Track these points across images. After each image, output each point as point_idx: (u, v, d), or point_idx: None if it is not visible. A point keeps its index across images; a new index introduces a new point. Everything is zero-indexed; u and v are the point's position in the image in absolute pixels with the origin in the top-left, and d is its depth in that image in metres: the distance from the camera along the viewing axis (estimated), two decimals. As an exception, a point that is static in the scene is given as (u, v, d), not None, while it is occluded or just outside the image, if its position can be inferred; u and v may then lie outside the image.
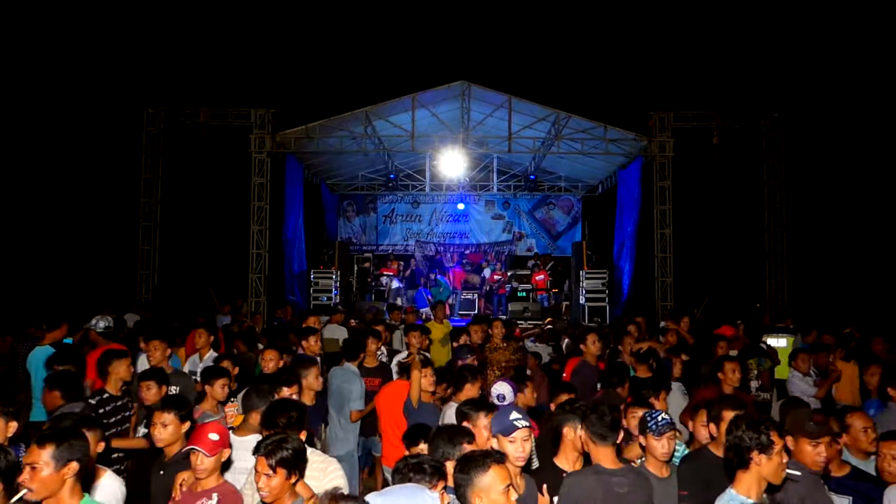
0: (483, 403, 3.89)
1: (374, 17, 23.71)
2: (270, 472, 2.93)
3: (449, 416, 4.74)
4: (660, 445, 3.54)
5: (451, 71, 18.71)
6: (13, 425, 3.38)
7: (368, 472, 6.67)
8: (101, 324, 6.92)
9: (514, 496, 2.68)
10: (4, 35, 16.89)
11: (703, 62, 21.21)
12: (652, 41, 22.67)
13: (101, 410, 4.74)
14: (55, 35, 17.45)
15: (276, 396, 4.54)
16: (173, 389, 5.46)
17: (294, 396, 4.51)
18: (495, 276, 17.84)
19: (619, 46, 22.91)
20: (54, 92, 17.09)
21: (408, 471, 2.73)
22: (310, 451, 3.45)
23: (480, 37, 25.55)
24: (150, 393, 4.79)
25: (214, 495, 3.21)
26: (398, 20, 23.44)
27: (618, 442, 3.46)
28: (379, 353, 6.82)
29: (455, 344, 7.26)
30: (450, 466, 2.95)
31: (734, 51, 21.90)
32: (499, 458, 2.74)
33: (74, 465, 2.75)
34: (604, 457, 3.38)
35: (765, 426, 2.98)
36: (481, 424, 3.62)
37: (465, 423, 3.67)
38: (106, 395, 4.93)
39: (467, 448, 3.10)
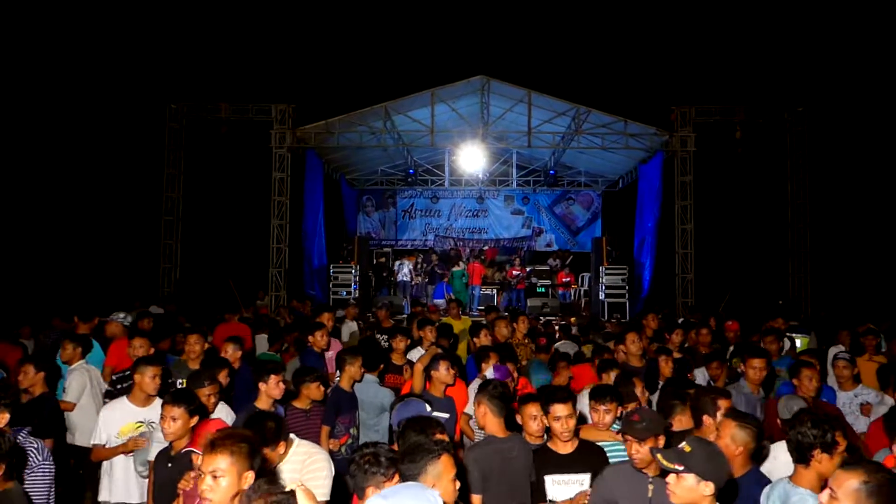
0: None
1: (394, 11, 23.71)
2: None
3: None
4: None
5: (471, 66, 18.67)
6: (5, 416, 3.64)
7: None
8: (121, 315, 7.09)
9: (458, 485, 2.72)
10: (30, 34, 17.17)
11: (726, 55, 20.94)
12: (673, 34, 22.42)
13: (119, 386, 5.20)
14: (80, 33, 17.68)
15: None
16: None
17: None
18: (514, 272, 17.79)
19: (639, 40, 22.70)
20: (79, 89, 17.33)
21: (363, 462, 2.69)
22: (297, 441, 3.58)
23: (500, 31, 25.44)
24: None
25: None
26: (417, 15, 23.42)
27: None
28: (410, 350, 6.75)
29: (475, 340, 7.22)
30: None
31: (757, 44, 21.61)
32: (447, 446, 2.77)
33: None
34: (498, 428, 3.82)
35: (829, 425, 2.95)
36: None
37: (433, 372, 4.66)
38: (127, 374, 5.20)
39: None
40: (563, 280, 17.73)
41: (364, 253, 16.99)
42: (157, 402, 4.39)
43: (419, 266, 18.00)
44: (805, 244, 16.28)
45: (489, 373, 5.19)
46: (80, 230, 17.04)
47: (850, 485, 2.28)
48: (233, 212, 18.22)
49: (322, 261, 16.94)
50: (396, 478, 2.68)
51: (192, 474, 3.34)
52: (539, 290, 17.53)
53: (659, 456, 2.64)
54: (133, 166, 17.60)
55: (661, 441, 3.32)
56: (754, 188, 17.97)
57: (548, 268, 18.23)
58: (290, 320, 10.60)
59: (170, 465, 3.74)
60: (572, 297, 17.72)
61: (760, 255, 17.78)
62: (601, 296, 15.55)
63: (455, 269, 17.47)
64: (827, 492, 2.38)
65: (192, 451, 3.26)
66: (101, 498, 4.48)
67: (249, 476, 2.61)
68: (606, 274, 15.49)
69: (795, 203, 16.33)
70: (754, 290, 16.27)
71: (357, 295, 15.49)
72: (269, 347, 7.71)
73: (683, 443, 2.66)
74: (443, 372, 5.09)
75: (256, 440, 2.84)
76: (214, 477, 2.58)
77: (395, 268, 17.65)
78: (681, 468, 2.54)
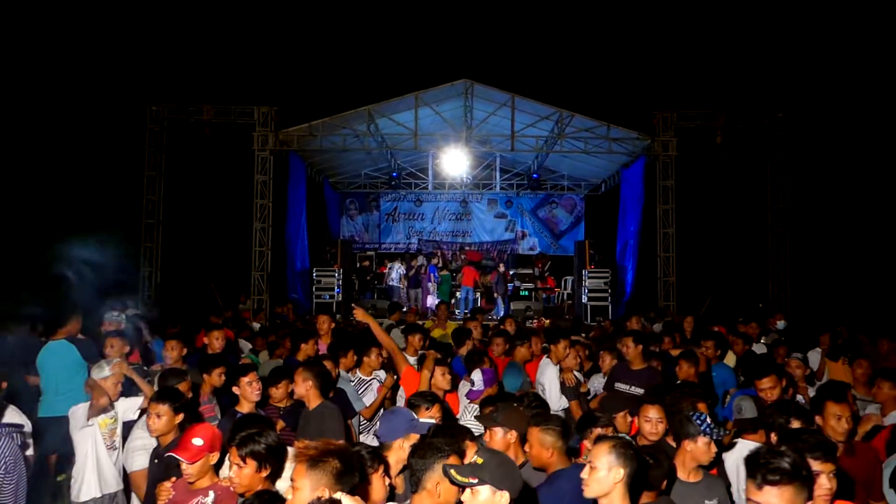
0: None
1: (378, 15, 23.71)
2: (241, 462, 2.98)
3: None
4: (709, 448, 3.34)
5: (455, 69, 18.73)
6: None
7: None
8: (115, 314, 7.04)
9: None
10: (9, 33, 16.92)
11: (707, 61, 21.17)
12: (655, 40, 22.64)
13: None
14: (59, 33, 17.47)
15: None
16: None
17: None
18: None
19: (622, 45, 22.89)
20: (58, 90, 17.10)
21: None
22: None
23: (484, 35, 25.55)
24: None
25: (211, 493, 3.22)
26: (401, 18, 23.44)
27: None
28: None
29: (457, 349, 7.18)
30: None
31: (738, 50, 21.86)
32: (458, 448, 2.82)
33: None
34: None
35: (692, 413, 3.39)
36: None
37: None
38: None
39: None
40: (544, 285, 17.80)
41: (347, 256, 16.92)
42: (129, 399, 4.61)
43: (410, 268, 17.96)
44: (784, 248, 16.46)
45: (476, 376, 5.21)
46: (59, 232, 16.80)
47: (601, 452, 2.70)
48: (215, 215, 18.05)
49: (305, 264, 16.85)
50: (381, 469, 2.77)
51: (168, 484, 3.34)
52: (522, 293, 17.57)
53: (452, 472, 2.53)
54: (113, 169, 17.36)
55: (512, 435, 3.54)
56: (735, 192, 18.15)
57: (531, 271, 18.29)
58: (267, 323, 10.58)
59: (156, 460, 3.84)
60: (556, 301, 17.79)
61: (741, 258, 17.94)
62: (584, 299, 15.61)
63: (443, 273, 17.47)
64: (587, 466, 2.74)
65: (175, 458, 3.20)
66: (73, 499, 4.38)
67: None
68: (589, 277, 15.56)
69: (775, 207, 16.51)
70: (735, 293, 16.42)
71: (340, 299, 15.43)
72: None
73: (475, 456, 2.60)
74: (439, 377, 5.10)
75: (353, 459, 2.61)
76: (294, 488, 2.49)
77: (387, 270, 17.62)
78: (475, 481, 2.47)
